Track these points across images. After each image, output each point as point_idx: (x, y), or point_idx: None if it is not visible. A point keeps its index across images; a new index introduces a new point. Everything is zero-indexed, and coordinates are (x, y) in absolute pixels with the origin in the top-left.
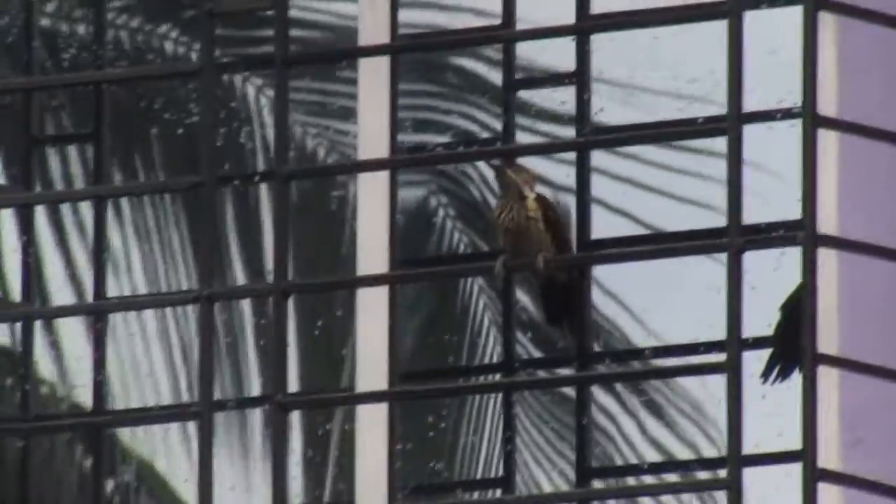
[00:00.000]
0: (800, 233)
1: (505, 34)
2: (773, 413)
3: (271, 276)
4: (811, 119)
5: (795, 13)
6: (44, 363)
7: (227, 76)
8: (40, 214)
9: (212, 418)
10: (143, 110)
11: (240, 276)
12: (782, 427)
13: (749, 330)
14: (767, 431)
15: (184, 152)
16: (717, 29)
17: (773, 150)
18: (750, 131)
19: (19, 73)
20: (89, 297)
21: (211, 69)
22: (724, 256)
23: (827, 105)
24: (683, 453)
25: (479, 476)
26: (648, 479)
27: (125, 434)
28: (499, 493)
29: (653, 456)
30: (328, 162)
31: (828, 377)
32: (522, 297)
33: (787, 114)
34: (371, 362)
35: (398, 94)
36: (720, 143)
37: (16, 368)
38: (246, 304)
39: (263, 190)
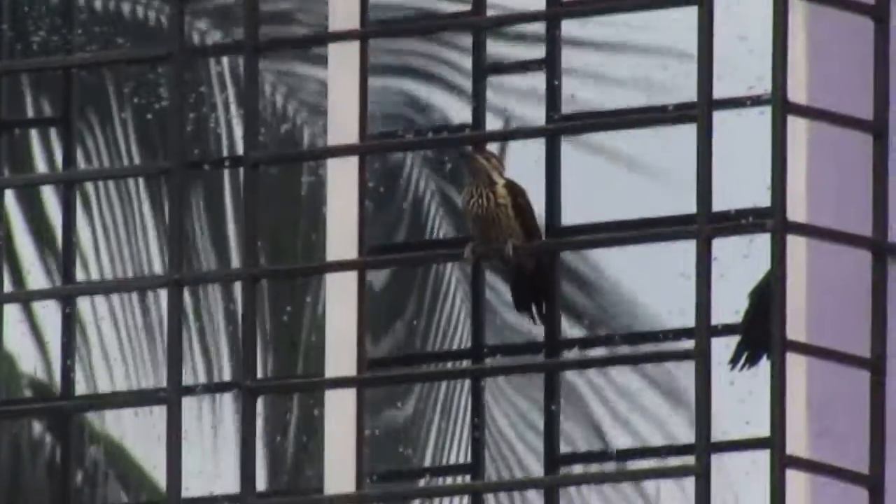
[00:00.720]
0: (769, 220)
1: (475, 21)
2: (741, 400)
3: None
4: (781, 106)
5: (765, 1)
6: (14, 346)
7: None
8: (10, 198)
9: (180, 403)
10: (114, 94)
11: (209, 262)
12: (750, 414)
13: (718, 317)
14: (736, 419)
15: (153, 137)
16: (688, 15)
17: (742, 137)
18: (719, 118)
19: None
20: (58, 281)
21: (181, 53)
22: (693, 244)
23: (797, 92)
24: (654, 438)
25: (448, 462)
26: (617, 466)
27: (94, 418)
28: (468, 479)
29: (623, 442)
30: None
31: (796, 365)
32: (493, 281)
33: (756, 101)
34: (340, 348)
35: (367, 81)
36: (689, 130)
37: None
38: (216, 290)
39: (229, 175)
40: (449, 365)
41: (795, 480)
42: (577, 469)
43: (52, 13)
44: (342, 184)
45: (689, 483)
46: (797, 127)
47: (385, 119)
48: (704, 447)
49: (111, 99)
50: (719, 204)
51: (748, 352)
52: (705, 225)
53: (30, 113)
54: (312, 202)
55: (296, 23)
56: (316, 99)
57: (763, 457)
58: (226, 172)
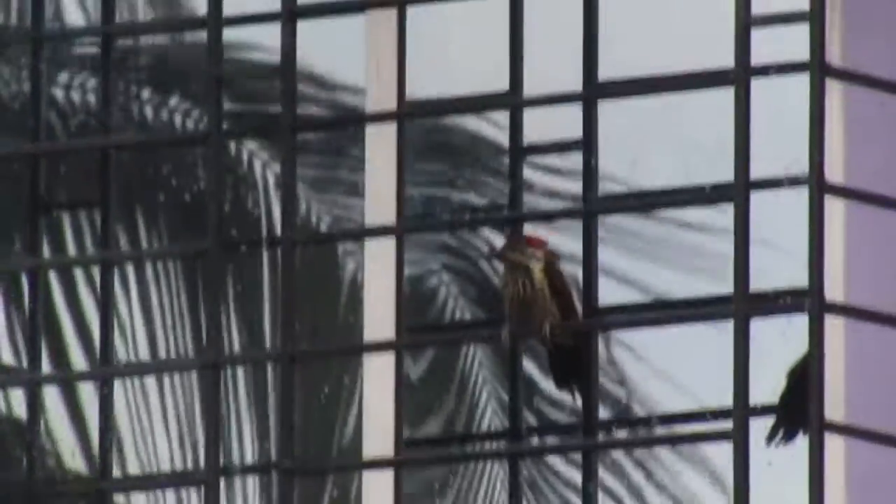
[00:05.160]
0: (806, 300)
1: (512, 100)
2: (779, 481)
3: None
4: (817, 186)
5: (802, 81)
6: (56, 428)
7: (233, 146)
8: (52, 280)
9: (218, 484)
10: (151, 176)
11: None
12: (789, 496)
13: (756, 397)
14: (774, 500)
15: (190, 219)
16: (725, 96)
17: (779, 217)
18: (757, 198)
19: (27, 140)
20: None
21: (218, 135)
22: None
23: (834, 171)
24: None
25: None
26: None
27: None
28: None
29: None
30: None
31: (834, 445)
32: (528, 364)
33: (794, 181)
34: (377, 428)
35: (405, 161)
36: (727, 209)
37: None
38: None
39: (266, 259)
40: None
41: None
42: None
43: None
44: (380, 265)
45: None
46: (834, 206)
47: (425, 201)
48: None
49: (149, 180)
50: (757, 284)
51: (784, 428)
52: (743, 305)
53: (67, 195)
54: (350, 283)
55: (334, 104)
56: (355, 178)
57: None
58: (264, 253)
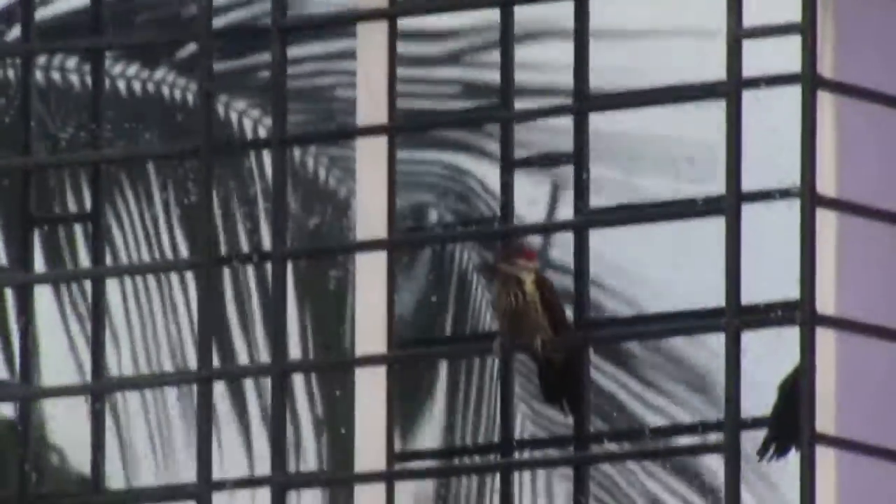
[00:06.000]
0: (798, 313)
1: (503, 114)
2: (771, 493)
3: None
4: (809, 199)
5: (794, 93)
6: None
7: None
8: (46, 293)
9: (210, 499)
10: (143, 189)
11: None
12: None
13: (748, 410)
14: None
15: (184, 230)
16: (715, 109)
17: (771, 229)
18: (748, 211)
19: (17, 154)
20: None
21: (209, 149)
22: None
23: (826, 184)
24: None
25: None
26: None
27: None
28: None
29: None
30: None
31: (825, 457)
32: (520, 376)
33: (785, 193)
34: (369, 440)
35: (395, 172)
36: (718, 222)
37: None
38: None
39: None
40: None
41: None
42: None
43: (79, 109)
44: (371, 278)
45: None
46: (826, 219)
47: (414, 211)
48: None
49: (140, 194)
50: (748, 297)
51: (776, 443)
52: (734, 318)
53: (58, 209)
54: (340, 296)
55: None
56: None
57: None
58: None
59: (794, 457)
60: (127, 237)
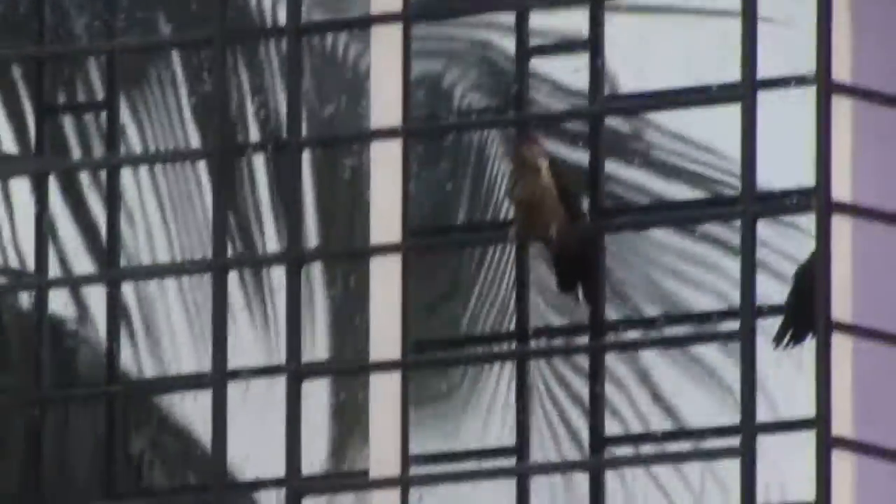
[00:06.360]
0: (813, 199)
1: (518, 1)
2: (786, 381)
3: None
4: (825, 86)
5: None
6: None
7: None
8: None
9: (225, 386)
10: (157, 77)
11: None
12: (796, 396)
13: (763, 298)
14: (781, 400)
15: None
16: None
17: (786, 118)
18: (764, 100)
19: (31, 43)
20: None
21: (223, 36)
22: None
23: (841, 72)
24: (697, 421)
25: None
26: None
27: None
28: (513, 462)
29: (667, 424)
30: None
31: (841, 346)
32: (537, 265)
33: (801, 81)
34: (384, 330)
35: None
36: (734, 111)
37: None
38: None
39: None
40: (494, 348)
41: (841, 461)
42: (623, 451)
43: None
44: (386, 167)
45: (735, 464)
46: (841, 107)
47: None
48: (749, 428)
49: (154, 83)
50: (763, 185)
51: (793, 330)
52: (750, 205)
53: (69, 97)
54: (356, 186)
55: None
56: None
57: (809, 438)
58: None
59: (809, 345)
60: (144, 128)
